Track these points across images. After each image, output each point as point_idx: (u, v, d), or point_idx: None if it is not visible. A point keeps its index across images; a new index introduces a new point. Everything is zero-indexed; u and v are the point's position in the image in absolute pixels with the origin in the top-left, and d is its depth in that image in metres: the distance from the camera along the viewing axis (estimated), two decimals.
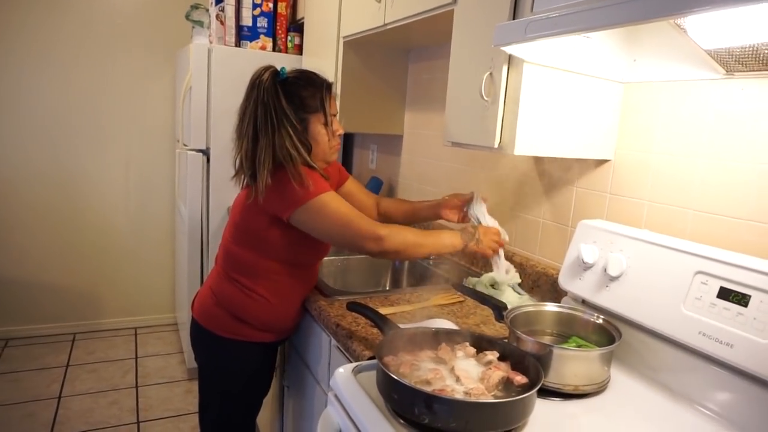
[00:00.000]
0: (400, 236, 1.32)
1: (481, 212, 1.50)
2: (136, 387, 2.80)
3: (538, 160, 1.62)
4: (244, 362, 1.53)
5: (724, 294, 0.95)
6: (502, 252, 1.45)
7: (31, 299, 3.25)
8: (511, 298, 1.51)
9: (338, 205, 1.33)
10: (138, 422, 2.49)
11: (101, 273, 3.41)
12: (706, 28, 0.87)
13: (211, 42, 2.68)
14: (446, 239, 1.38)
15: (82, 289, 3.37)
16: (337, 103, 2.21)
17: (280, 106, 1.33)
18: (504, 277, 1.46)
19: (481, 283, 1.60)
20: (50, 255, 3.26)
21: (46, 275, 3.27)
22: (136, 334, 3.43)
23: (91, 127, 3.23)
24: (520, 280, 1.49)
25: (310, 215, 1.31)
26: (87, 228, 3.33)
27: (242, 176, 1.42)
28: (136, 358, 3.12)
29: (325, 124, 1.40)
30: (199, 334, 1.53)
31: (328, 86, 1.43)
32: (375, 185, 2.49)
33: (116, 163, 3.32)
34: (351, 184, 1.70)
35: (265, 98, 1.33)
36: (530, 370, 0.95)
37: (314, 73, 1.44)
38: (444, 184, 2.10)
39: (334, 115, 1.45)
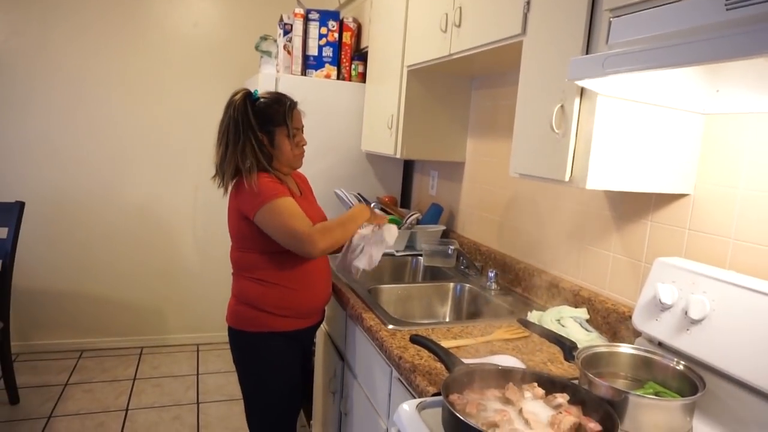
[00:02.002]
0: (326, 234, 1.55)
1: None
2: (197, 403, 2.88)
3: (609, 192, 1.57)
4: (270, 353, 1.66)
5: None
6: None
7: (104, 314, 3.44)
8: (579, 335, 1.46)
9: (288, 209, 1.54)
10: None
11: (168, 291, 3.56)
12: None
13: (278, 71, 2.78)
14: (358, 216, 1.68)
15: (149, 306, 3.53)
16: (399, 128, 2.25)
17: (248, 121, 1.58)
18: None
19: (546, 317, 1.55)
20: (122, 273, 3.44)
21: (117, 292, 3.45)
22: (198, 351, 3.54)
23: (164, 152, 3.41)
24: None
25: (266, 217, 1.53)
26: (156, 248, 3.50)
27: (218, 178, 1.66)
28: (198, 374, 3.21)
29: (288, 136, 1.64)
30: (231, 337, 1.71)
31: (292, 104, 1.67)
32: (435, 212, 2.48)
33: (185, 186, 3.48)
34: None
35: (235, 115, 1.58)
36: (604, 418, 0.90)
37: (282, 94, 1.69)
38: (506, 211, 2.06)
39: (298, 129, 1.68)
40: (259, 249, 1.61)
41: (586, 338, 1.44)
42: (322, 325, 2.16)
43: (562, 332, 1.43)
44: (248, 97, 1.62)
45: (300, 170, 2.73)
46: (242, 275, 1.67)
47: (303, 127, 1.71)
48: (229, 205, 1.65)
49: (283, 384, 1.71)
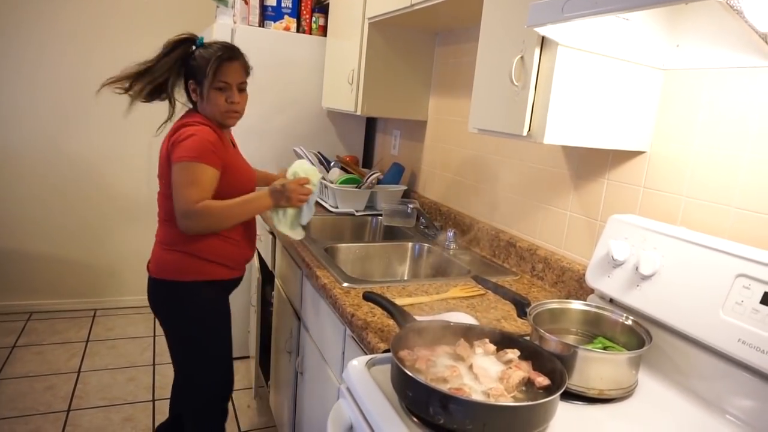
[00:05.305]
0: (208, 215, 1.49)
1: (298, 167, 1.64)
2: (153, 365, 2.82)
3: (567, 150, 1.55)
4: (200, 301, 1.61)
5: None
6: (311, 198, 1.63)
7: (55, 274, 3.31)
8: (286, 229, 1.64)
9: (198, 178, 1.47)
10: (153, 400, 2.51)
11: (123, 251, 3.44)
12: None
13: (234, 22, 2.64)
14: (258, 205, 1.58)
15: (104, 267, 3.41)
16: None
17: (181, 66, 1.58)
18: (306, 220, 1.65)
19: (282, 221, 1.64)
20: (74, 232, 3.30)
21: (69, 251, 3.31)
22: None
23: (114, 106, 3.23)
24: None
25: (176, 171, 1.49)
26: (110, 207, 3.35)
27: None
28: (155, 336, 3.15)
29: (216, 89, 1.55)
30: (155, 288, 1.63)
31: (223, 56, 1.54)
32: (396, 171, 2.44)
33: (139, 142, 3.32)
34: None
35: (169, 55, 1.57)
36: (553, 372, 0.90)
37: (226, 45, 1.58)
38: (467, 171, 2.04)
39: (226, 83, 1.55)
40: None
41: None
42: (277, 284, 2.13)
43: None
44: (189, 41, 1.58)
45: (258, 126, 2.64)
46: (170, 221, 1.59)
47: (240, 84, 1.60)
48: (162, 145, 1.59)
49: (222, 332, 1.68)
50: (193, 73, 1.58)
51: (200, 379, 1.69)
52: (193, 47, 1.59)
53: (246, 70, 1.63)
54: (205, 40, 1.60)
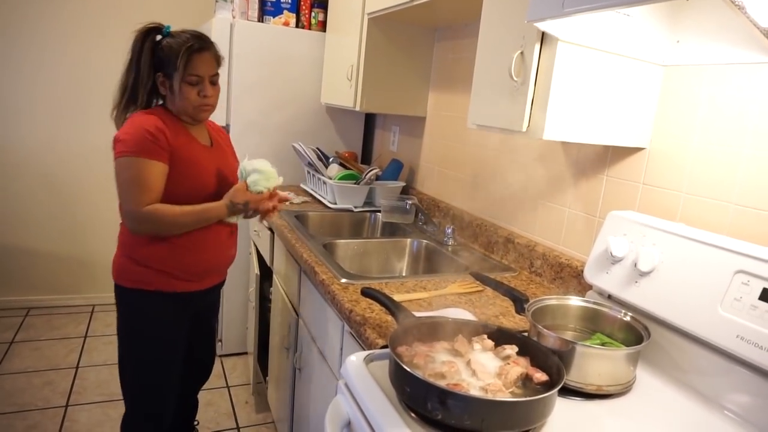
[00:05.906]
0: (153, 221, 1.43)
1: (263, 185, 1.54)
2: None
3: (566, 146, 1.55)
4: (143, 312, 1.54)
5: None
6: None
7: (53, 270, 3.30)
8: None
9: (141, 174, 1.39)
10: None
11: None
12: None
13: (233, 17, 2.63)
14: (212, 216, 1.50)
15: (102, 263, 3.40)
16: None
17: (143, 59, 1.47)
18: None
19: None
20: (72, 228, 3.29)
21: (68, 248, 3.30)
22: None
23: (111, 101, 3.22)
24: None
25: (117, 168, 1.42)
26: (108, 204, 3.34)
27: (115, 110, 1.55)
28: None
29: (188, 83, 1.46)
30: (115, 293, 1.56)
31: (194, 47, 1.45)
32: (395, 168, 2.44)
33: None
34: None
35: (133, 49, 1.49)
36: (551, 368, 0.90)
37: (195, 35, 1.48)
38: (465, 167, 2.04)
39: (198, 76, 1.47)
40: None
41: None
42: (275, 281, 2.13)
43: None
44: (154, 32, 1.47)
45: (257, 122, 2.63)
46: (124, 222, 1.51)
47: (212, 76, 1.50)
48: None
49: (160, 351, 1.58)
50: (161, 65, 1.46)
51: (130, 399, 1.63)
52: (159, 37, 1.48)
53: (218, 60, 1.52)
54: (207, 37, 1.51)
